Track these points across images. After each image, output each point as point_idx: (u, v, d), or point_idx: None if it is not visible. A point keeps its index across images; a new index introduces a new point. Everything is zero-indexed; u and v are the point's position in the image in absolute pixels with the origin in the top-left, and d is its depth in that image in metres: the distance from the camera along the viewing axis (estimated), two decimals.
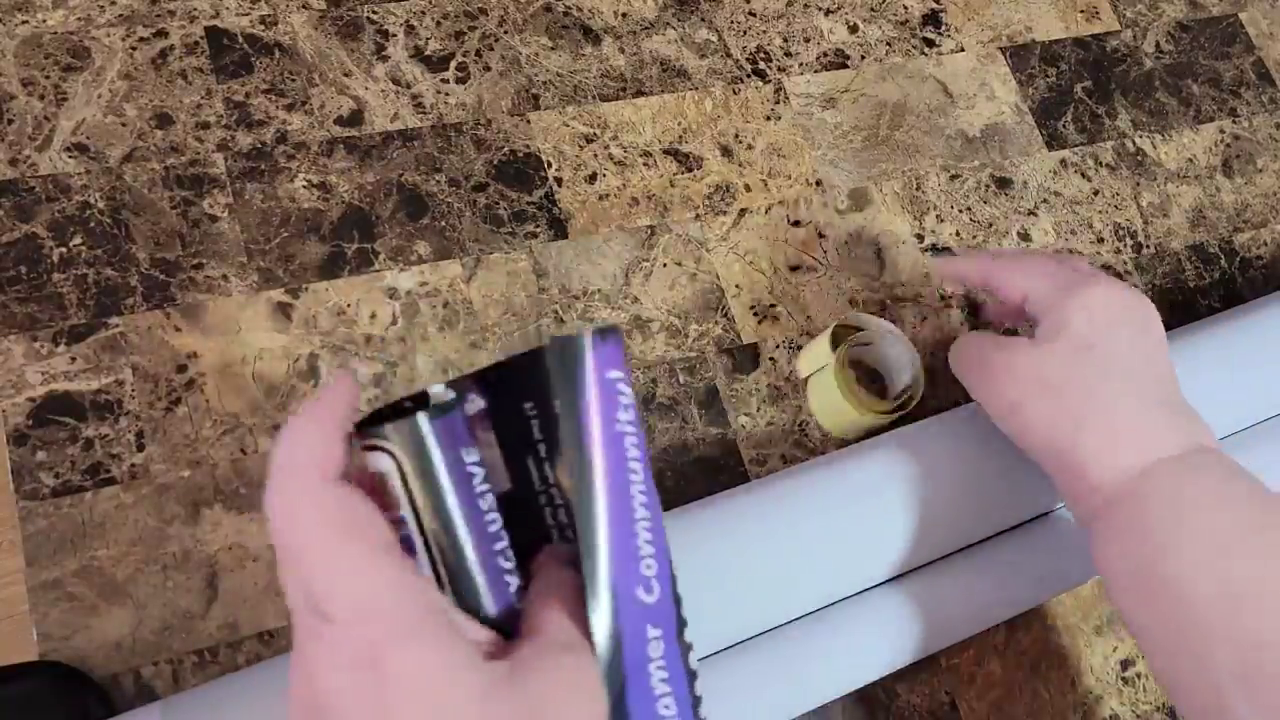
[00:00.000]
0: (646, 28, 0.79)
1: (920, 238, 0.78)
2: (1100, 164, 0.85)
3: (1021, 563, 0.60)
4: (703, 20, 0.80)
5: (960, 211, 0.80)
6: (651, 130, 0.76)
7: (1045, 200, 0.82)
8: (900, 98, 0.82)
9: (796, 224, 0.76)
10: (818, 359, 0.68)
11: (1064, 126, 0.85)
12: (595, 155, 0.74)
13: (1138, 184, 0.85)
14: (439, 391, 0.32)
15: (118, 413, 0.60)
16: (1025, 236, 0.80)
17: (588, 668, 0.29)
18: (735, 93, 0.79)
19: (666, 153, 0.75)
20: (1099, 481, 0.45)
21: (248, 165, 0.67)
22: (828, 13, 0.84)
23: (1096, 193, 0.84)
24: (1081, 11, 0.90)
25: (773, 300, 0.73)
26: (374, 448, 0.30)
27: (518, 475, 0.33)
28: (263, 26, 0.71)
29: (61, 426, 0.59)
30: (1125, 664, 0.70)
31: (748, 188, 0.76)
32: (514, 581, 0.31)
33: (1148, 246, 0.83)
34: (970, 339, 0.54)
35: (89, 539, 0.57)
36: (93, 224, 0.64)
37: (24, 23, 0.67)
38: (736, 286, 0.73)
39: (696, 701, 0.32)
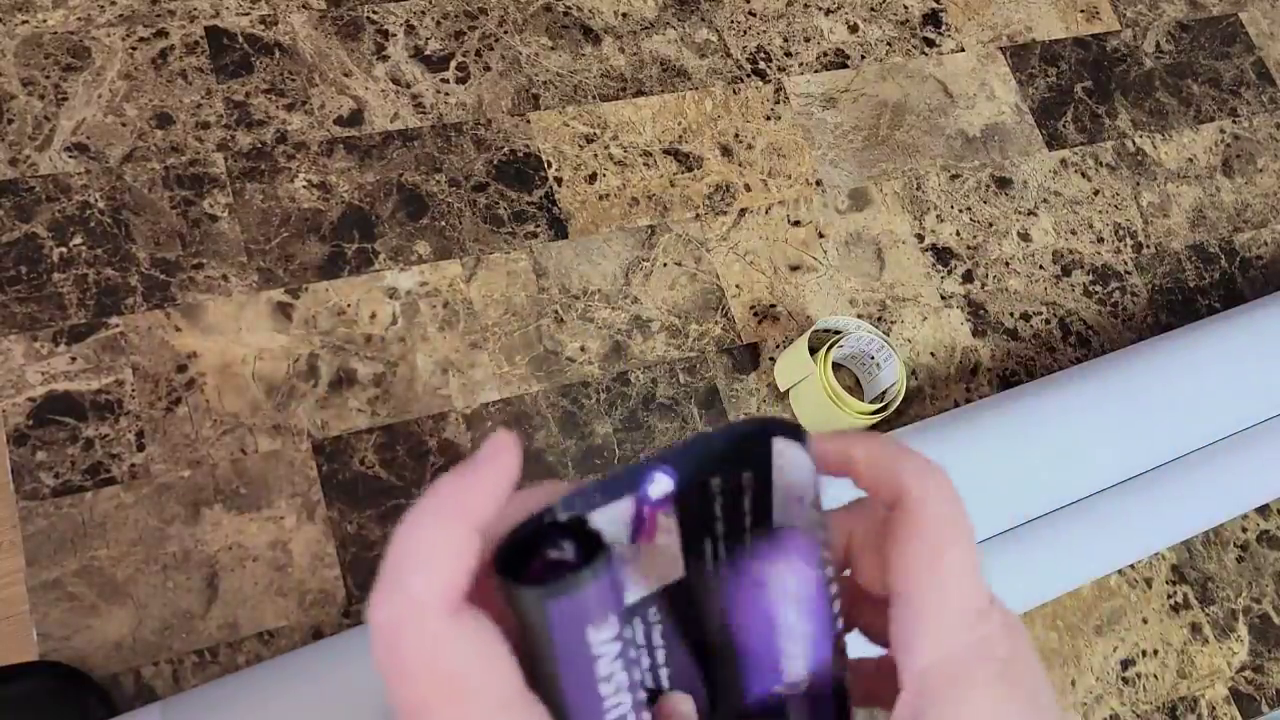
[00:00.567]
0: (647, 28, 0.79)
1: (920, 238, 0.78)
2: (1100, 164, 0.85)
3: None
4: (703, 20, 0.80)
5: (960, 211, 0.80)
6: (652, 130, 0.76)
7: (1045, 200, 0.82)
8: (900, 97, 0.82)
9: (796, 224, 0.76)
10: (797, 370, 0.68)
11: (1064, 126, 0.85)
12: (595, 155, 0.74)
13: (1138, 184, 0.85)
14: (609, 527, 0.26)
15: (118, 413, 0.60)
16: (1025, 236, 0.80)
17: None
18: (735, 92, 0.79)
19: (667, 153, 0.75)
20: None
21: (248, 165, 0.67)
22: (828, 12, 0.84)
23: (1097, 192, 0.84)
24: (1082, 11, 0.90)
25: (773, 300, 0.73)
26: None
27: (690, 562, 0.29)
28: (263, 26, 0.71)
29: (62, 426, 0.59)
30: (1125, 664, 0.70)
31: (748, 187, 0.76)
32: None
33: (1148, 246, 0.83)
34: None
35: (89, 539, 0.57)
36: (93, 224, 0.64)
37: (24, 22, 0.67)
38: (736, 286, 0.73)
39: None
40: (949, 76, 0.84)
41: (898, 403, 0.68)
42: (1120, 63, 0.89)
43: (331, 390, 0.63)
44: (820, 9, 0.84)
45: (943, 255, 0.78)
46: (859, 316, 0.73)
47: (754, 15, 0.82)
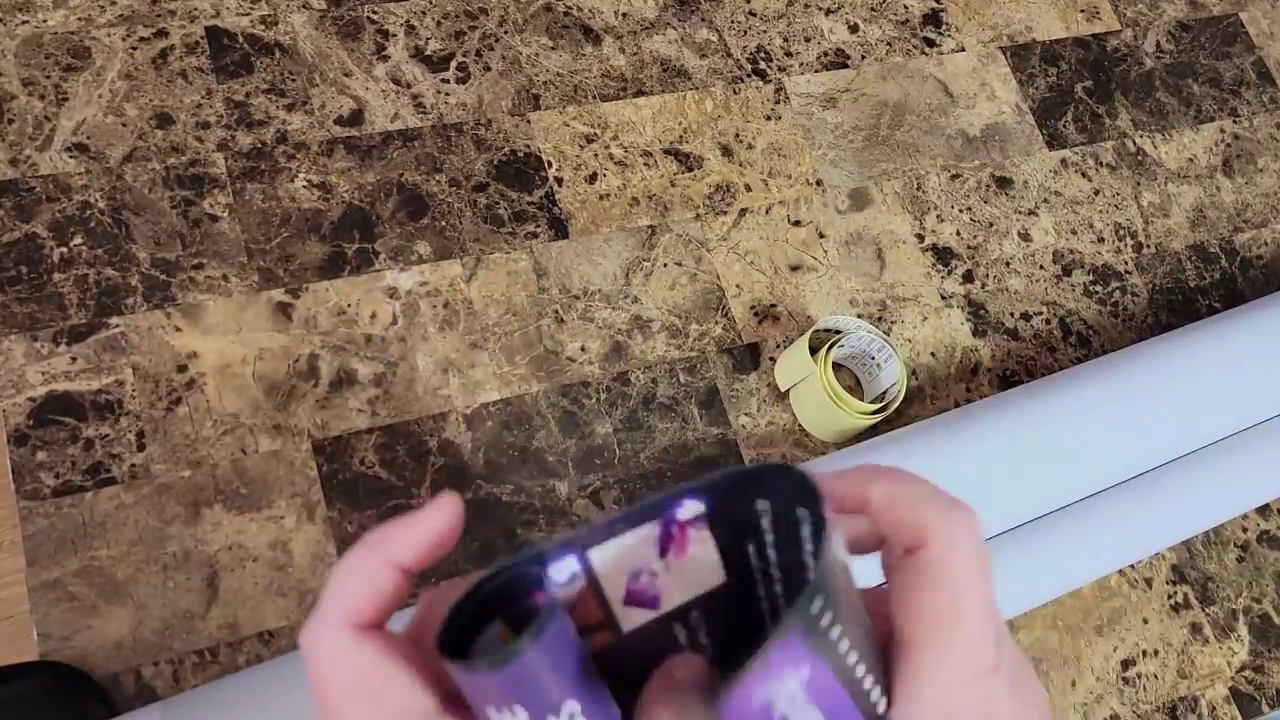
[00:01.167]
0: (647, 27, 0.79)
1: (921, 237, 0.78)
2: (1101, 164, 0.85)
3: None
4: (703, 20, 0.80)
5: (961, 211, 0.80)
6: (652, 130, 0.76)
7: (1046, 200, 0.82)
8: (901, 97, 0.82)
9: (796, 224, 0.76)
10: (797, 370, 0.68)
11: (1064, 126, 0.85)
12: (596, 155, 0.74)
13: (1138, 184, 0.85)
14: (621, 556, 0.26)
15: (118, 413, 0.60)
16: (1025, 236, 0.80)
17: None
18: (736, 92, 0.79)
19: (667, 153, 0.75)
20: None
21: (248, 165, 0.67)
22: (828, 12, 0.84)
23: (1097, 192, 0.83)
24: (1082, 11, 0.90)
25: (773, 300, 0.73)
26: None
27: (735, 563, 0.28)
28: (263, 26, 0.71)
29: (62, 426, 0.59)
30: (1126, 664, 0.70)
31: (748, 187, 0.76)
32: None
33: (1148, 246, 0.83)
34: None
35: (89, 539, 0.57)
36: (93, 224, 0.64)
37: (24, 23, 0.67)
38: (737, 286, 0.73)
39: None
40: (949, 76, 0.84)
41: (898, 403, 0.68)
42: (1120, 62, 0.89)
43: (332, 390, 0.63)
44: (820, 9, 0.84)
45: (943, 255, 0.78)
46: (859, 316, 0.73)
47: (754, 15, 0.82)
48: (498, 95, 0.74)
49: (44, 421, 0.59)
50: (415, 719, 0.23)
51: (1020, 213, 0.81)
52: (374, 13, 0.74)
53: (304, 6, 0.72)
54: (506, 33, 0.76)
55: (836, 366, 0.72)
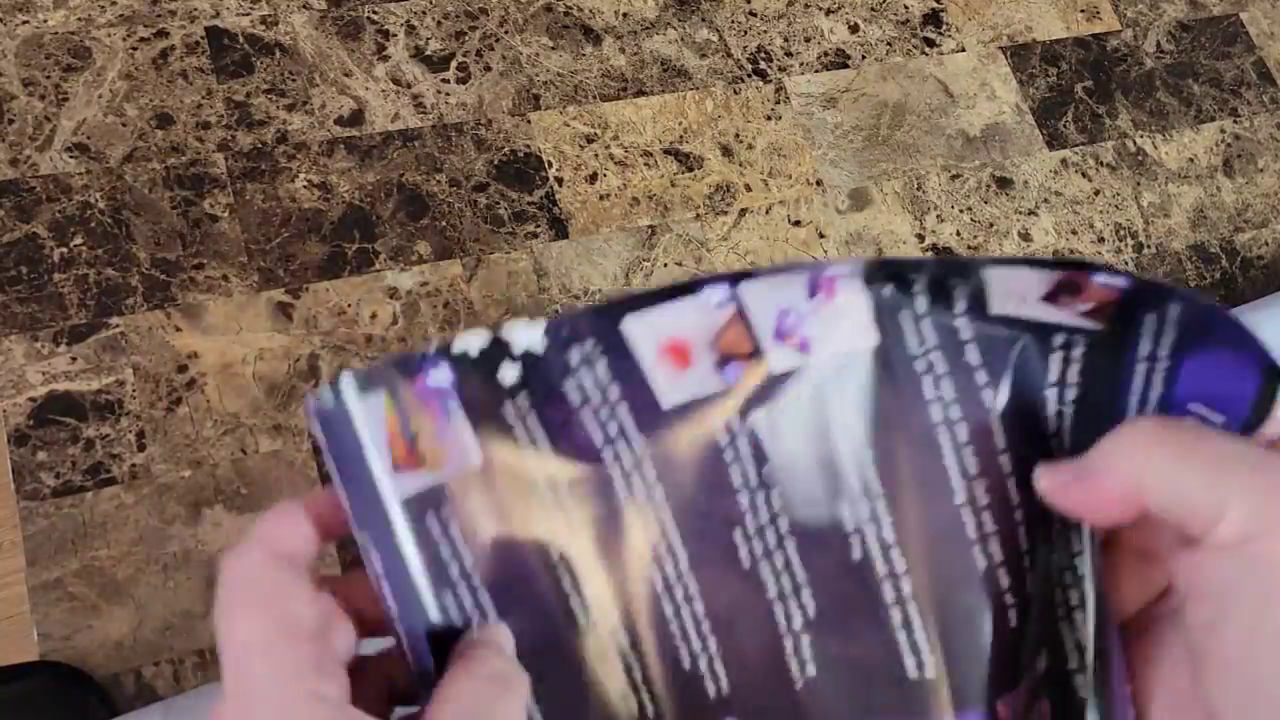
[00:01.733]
0: (647, 28, 0.79)
1: (921, 237, 0.78)
2: (1101, 164, 0.85)
3: None
4: (703, 20, 0.80)
5: (961, 211, 0.80)
6: (652, 130, 0.76)
7: (1046, 200, 0.82)
8: (901, 97, 0.82)
9: (797, 224, 0.76)
10: None
11: (1064, 126, 0.85)
12: (596, 155, 0.74)
13: (1138, 184, 0.85)
14: (713, 297, 0.25)
15: (118, 413, 0.60)
16: (1026, 236, 0.80)
17: None
18: (736, 93, 0.79)
19: (667, 153, 0.75)
20: None
21: (248, 165, 0.67)
22: (828, 12, 0.84)
23: (1097, 192, 0.83)
24: (1082, 11, 0.90)
25: None
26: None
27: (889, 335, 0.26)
28: (263, 26, 0.71)
29: (62, 427, 0.59)
30: None
31: (748, 187, 0.76)
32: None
33: (1148, 246, 0.83)
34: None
35: (90, 539, 0.57)
36: (93, 224, 0.64)
37: (25, 23, 0.67)
38: None
39: None
40: (949, 76, 0.84)
41: None
42: (1121, 63, 0.89)
43: None
44: (821, 9, 0.84)
45: (943, 255, 0.78)
46: None
47: (754, 15, 0.82)
48: (498, 95, 0.74)
49: (44, 421, 0.59)
50: (306, 626, 0.23)
51: (1020, 213, 0.81)
52: (374, 13, 0.74)
53: (304, 7, 0.72)
54: (507, 33, 0.76)
55: None
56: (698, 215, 0.74)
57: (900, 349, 0.26)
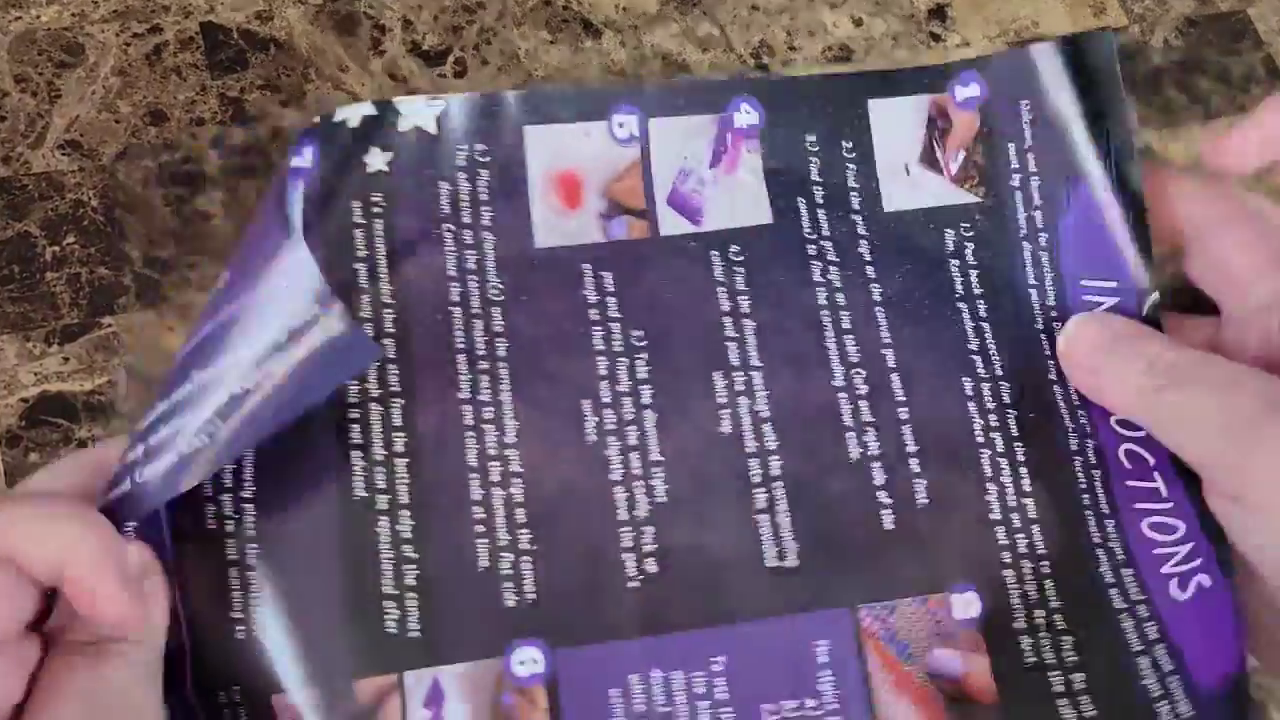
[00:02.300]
0: (648, 21, 0.78)
1: None
2: None
3: None
4: (705, 14, 0.80)
5: None
6: None
7: None
8: None
9: None
10: None
11: None
12: None
13: None
14: (618, 133, 0.24)
15: (111, 414, 0.60)
16: None
17: None
18: None
19: None
20: None
21: (242, 162, 0.67)
22: (832, 6, 0.83)
23: None
24: (1089, 6, 0.89)
25: None
26: None
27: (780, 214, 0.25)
28: (258, 21, 0.70)
29: (54, 428, 0.59)
30: None
31: None
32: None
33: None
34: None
35: None
36: (86, 222, 0.63)
37: (17, 19, 0.66)
38: None
39: None
40: None
41: None
42: (1128, 59, 0.89)
43: None
44: (824, 2, 0.83)
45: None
46: None
47: (757, 9, 0.81)
48: (496, 90, 0.73)
49: (36, 423, 0.59)
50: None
51: None
52: (370, 7, 0.73)
53: (299, 1, 0.72)
54: (505, 27, 0.75)
55: None
56: None
57: (793, 232, 0.25)
